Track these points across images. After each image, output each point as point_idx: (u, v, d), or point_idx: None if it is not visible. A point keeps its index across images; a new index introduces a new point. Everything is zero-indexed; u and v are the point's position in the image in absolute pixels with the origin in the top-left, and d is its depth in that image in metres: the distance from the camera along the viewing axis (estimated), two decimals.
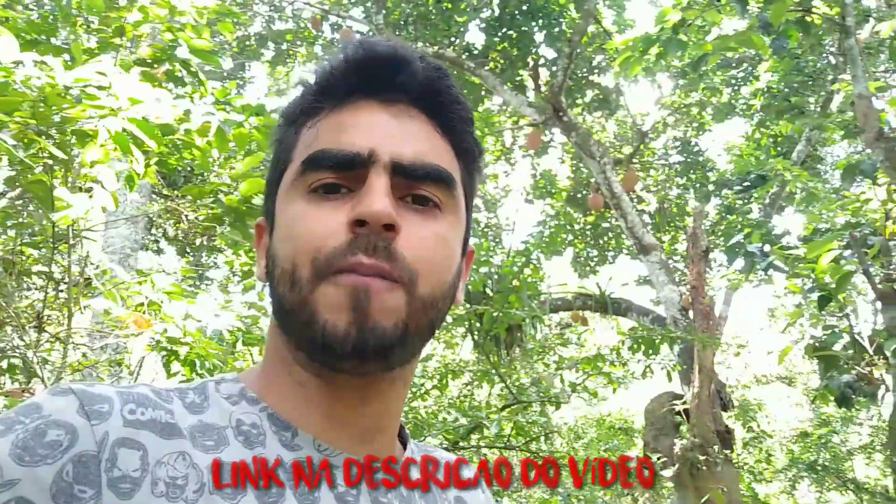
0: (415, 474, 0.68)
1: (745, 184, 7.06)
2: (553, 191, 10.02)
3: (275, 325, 0.64)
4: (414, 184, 0.61)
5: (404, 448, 0.70)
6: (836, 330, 3.92)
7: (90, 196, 1.75)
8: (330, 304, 0.56)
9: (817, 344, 3.87)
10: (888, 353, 3.35)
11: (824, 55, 8.21)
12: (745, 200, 7.23)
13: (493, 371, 5.12)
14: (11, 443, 0.49)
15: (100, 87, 1.95)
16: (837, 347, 3.89)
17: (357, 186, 0.60)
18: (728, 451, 6.15)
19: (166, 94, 2.46)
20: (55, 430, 0.51)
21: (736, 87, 9.21)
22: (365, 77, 0.64)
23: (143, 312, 2.11)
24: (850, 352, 3.79)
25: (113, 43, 2.59)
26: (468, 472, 0.77)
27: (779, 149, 9.00)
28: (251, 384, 0.64)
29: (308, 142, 0.63)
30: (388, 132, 0.62)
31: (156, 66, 2.55)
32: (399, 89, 0.64)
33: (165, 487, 0.52)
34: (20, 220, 2.40)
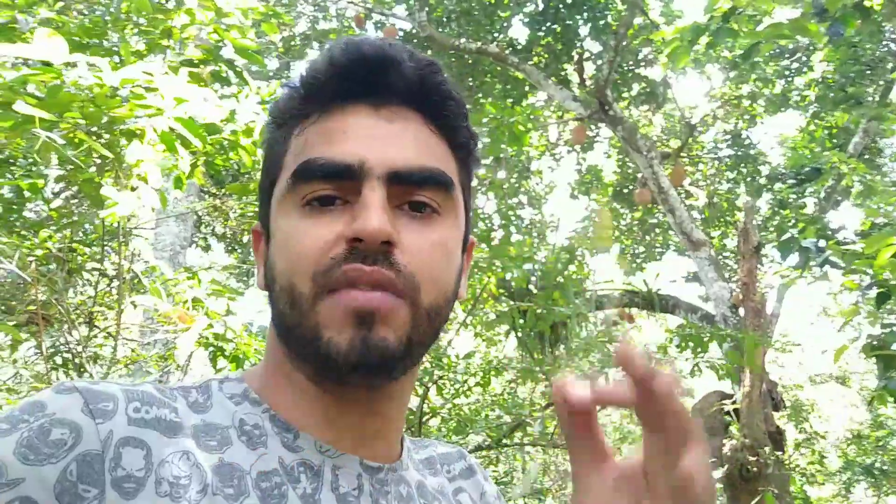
0: (414, 474, 0.69)
1: (800, 177, 6.84)
2: (599, 186, 9.89)
3: (274, 333, 0.64)
4: (411, 190, 0.59)
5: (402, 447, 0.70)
6: None
7: (137, 195, 1.79)
8: (332, 321, 0.56)
9: (875, 343, 3.73)
10: None
11: (884, 42, 7.90)
12: (799, 195, 7.01)
13: (537, 369, 5.07)
14: (16, 441, 0.49)
15: (147, 88, 1.98)
16: None
17: (352, 197, 0.58)
18: (779, 453, 5.99)
19: (212, 94, 2.49)
20: (60, 429, 0.50)
21: (789, 78, 8.93)
22: (352, 80, 0.61)
23: (190, 309, 2.15)
24: None
25: (160, 44, 2.64)
26: (464, 462, 0.78)
27: (834, 141, 8.69)
28: (253, 384, 0.64)
29: (297, 150, 0.62)
30: (380, 138, 0.60)
31: (202, 66, 2.59)
32: (388, 90, 0.62)
33: (169, 487, 0.51)
34: (72, 218, 2.46)
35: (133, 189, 1.84)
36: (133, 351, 2.78)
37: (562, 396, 0.50)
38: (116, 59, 2.65)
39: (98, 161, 1.91)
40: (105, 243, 2.53)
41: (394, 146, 0.60)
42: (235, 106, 2.65)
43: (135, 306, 2.40)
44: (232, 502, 0.53)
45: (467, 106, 0.67)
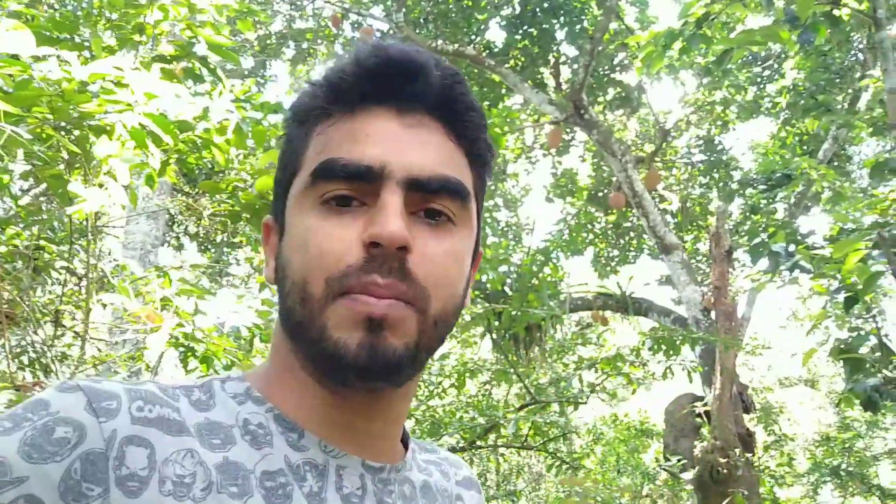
0: (417, 475, 0.69)
1: (770, 183, 6.95)
2: (574, 189, 9.95)
3: (281, 330, 0.64)
4: (428, 197, 0.60)
5: (406, 448, 0.71)
6: (863, 332, 3.84)
7: (107, 192, 1.75)
8: (342, 323, 0.56)
9: (843, 346, 3.79)
10: None
11: (852, 52, 8.07)
12: (770, 200, 7.12)
13: (512, 370, 5.09)
14: (20, 440, 0.49)
15: (117, 83, 1.95)
16: (864, 350, 3.81)
17: (370, 200, 0.59)
18: (749, 455, 6.07)
19: (185, 90, 2.46)
20: (63, 428, 0.51)
21: (761, 85, 9.08)
22: (378, 84, 0.62)
23: (159, 308, 2.11)
24: (878, 354, 3.71)
25: (132, 40, 2.60)
26: (465, 472, 0.79)
27: (805, 147, 8.86)
28: (256, 383, 0.64)
29: (319, 149, 0.62)
30: (402, 144, 0.60)
31: (174, 62, 2.55)
32: (414, 96, 0.62)
33: (173, 486, 0.52)
34: (41, 216, 2.41)
35: (101, 186, 1.81)
36: (101, 351, 2.73)
37: None
38: (87, 54, 2.61)
39: (66, 157, 1.88)
40: (74, 241, 2.49)
41: (415, 152, 0.60)
42: (209, 103, 2.62)
43: (104, 306, 2.36)
44: (236, 500, 0.54)
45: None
